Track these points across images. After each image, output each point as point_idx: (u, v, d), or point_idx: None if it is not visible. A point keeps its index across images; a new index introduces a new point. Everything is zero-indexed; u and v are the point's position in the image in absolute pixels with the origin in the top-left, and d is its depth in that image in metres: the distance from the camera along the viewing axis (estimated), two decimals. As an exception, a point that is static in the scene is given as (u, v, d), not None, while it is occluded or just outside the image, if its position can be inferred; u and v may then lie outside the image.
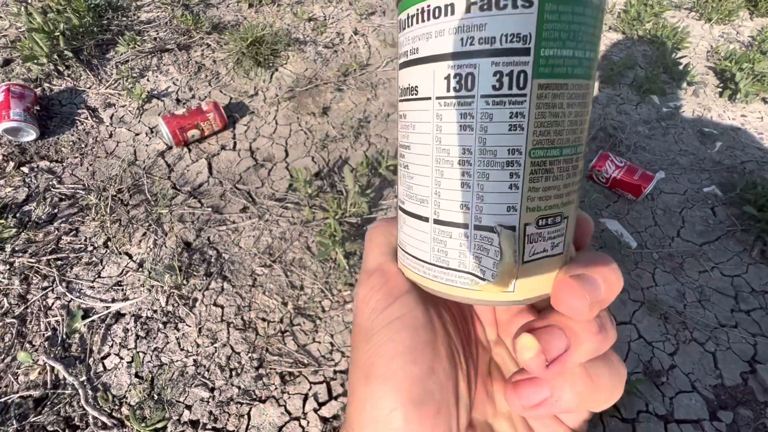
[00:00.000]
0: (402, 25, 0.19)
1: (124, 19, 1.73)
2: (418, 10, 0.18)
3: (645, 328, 1.09)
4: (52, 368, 0.92)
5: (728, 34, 2.02)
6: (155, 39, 1.67)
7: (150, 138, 1.40)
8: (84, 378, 0.92)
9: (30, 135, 1.31)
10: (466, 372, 0.22)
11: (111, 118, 1.43)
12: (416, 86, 0.18)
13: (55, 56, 1.47)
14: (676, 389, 1.00)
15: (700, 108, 1.70)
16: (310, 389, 0.94)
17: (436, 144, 0.18)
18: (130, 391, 0.91)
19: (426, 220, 0.19)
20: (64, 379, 0.91)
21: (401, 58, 0.20)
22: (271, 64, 1.64)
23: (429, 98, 0.18)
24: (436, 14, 0.17)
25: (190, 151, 1.38)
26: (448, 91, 0.17)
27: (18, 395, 0.88)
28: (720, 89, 1.76)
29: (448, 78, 0.17)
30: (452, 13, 0.16)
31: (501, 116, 0.16)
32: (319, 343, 1.01)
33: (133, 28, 1.68)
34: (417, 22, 0.18)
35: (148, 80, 1.55)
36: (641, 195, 1.30)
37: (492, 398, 0.23)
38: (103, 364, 0.95)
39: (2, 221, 1.10)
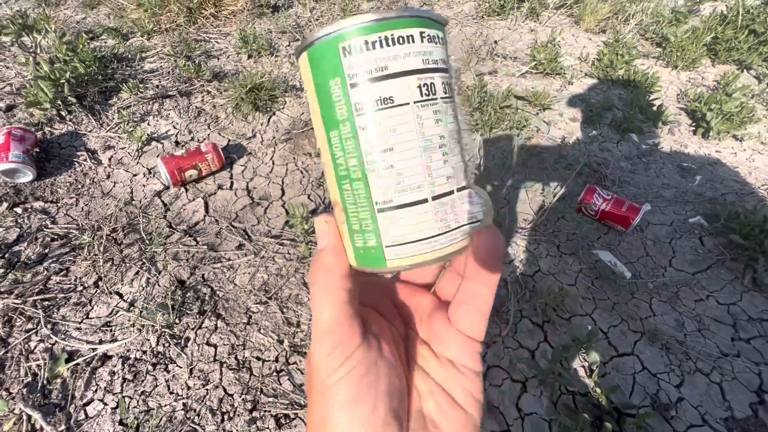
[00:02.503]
0: (349, 49, 0.22)
1: (129, 68, 1.82)
2: (379, 37, 0.22)
3: (648, 359, 1.07)
4: (29, 417, 0.86)
5: (694, 79, 2.19)
6: (157, 86, 1.74)
7: (147, 178, 1.41)
8: (63, 427, 0.86)
9: (27, 176, 1.32)
10: (406, 385, 0.27)
11: (110, 159, 1.46)
12: (390, 97, 0.22)
13: (59, 102, 1.52)
14: (687, 423, 0.96)
15: (676, 144, 1.79)
16: (306, 433, 0.88)
17: (420, 138, 0.23)
18: (112, 440, 0.85)
19: (425, 201, 0.23)
20: (42, 429, 0.85)
21: (360, 76, 0.22)
22: (268, 109, 1.72)
23: (408, 104, 0.23)
24: (400, 42, 0.22)
25: (187, 190, 1.39)
26: (421, 96, 0.23)
27: (-11, 449, 0.82)
28: (693, 128, 1.88)
29: (420, 87, 0.23)
30: (407, 42, 0.23)
31: (450, 110, 0.24)
32: (316, 382, 0.97)
33: (136, 77, 1.76)
34: (382, 47, 0.22)
35: (148, 124, 1.60)
36: (630, 226, 1.33)
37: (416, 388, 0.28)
38: (85, 411, 0.89)
39: (-10, 261, 1.07)
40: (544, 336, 1.10)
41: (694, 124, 1.89)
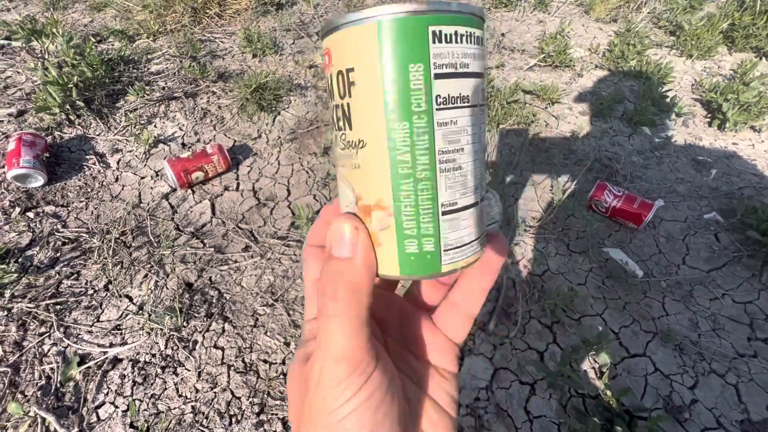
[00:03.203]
0: (440, 36, 0.21)
1: (135, 70, 1.83)
2: (466, 32, 0.21)
3: (661, 360, 1.05)
4: (44, 420, 0.88)
5: (710, 69, 2.11)
6: (163, 88, 1.75)
7: (155, 181, 1.43)
8: (76, 430, 0.87)
9: (38, 181, 1.34)
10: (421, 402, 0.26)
11: (118, 163, 1.47)
12: (467, 96, 0.22)
13: (68, 106, 1.54)
14: (701, 426, 0.94)
15: (691, 137, 1.74)
16: (313, 436, 0.89)
17: (479, 140, 0.23)
18: (124, 443, 0.86)
19: (476, 204, 0.24)
20: (55, 431, 0.87)
21: (446, 67, 0.21)
22: (273, 109, 1.71)
23: (477, 105, 0.23)
24: (477, 42, 0.22)
25: (194, 192, 1.40)
26: (483, 101, 0.23)
27: (6, 451, 0.84)
28: (708, 119, 1.82)
29: (483, 91, 0.23)
30: (481, 44, 0.23)
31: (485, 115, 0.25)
32: (323, 385, 0.97)
33: (143, 79, 1.77)
34: (466, 42, 0.21)
35: (155, 126, 1.61)
36: (642, 223, 1.30)
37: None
38: (96, 413, 0.90)
39: (3, 266, 1.09)
40: (554, 337, 1.08)
41: (709, 115, 1.84)
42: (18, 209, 1.28)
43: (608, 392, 0.95)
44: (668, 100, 1.80)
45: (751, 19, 2.14)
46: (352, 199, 0.23)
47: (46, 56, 1.62)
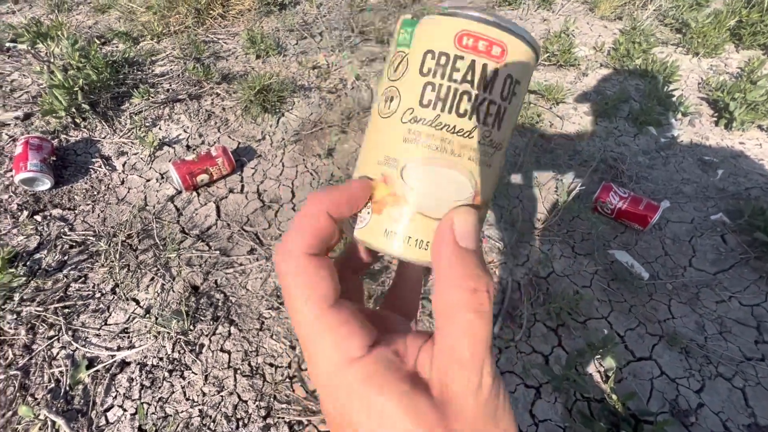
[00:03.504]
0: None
1: (140, 73, 1.83)
2: None
3: (667, 363, 1.05)
4: (53, 423, 0.89)
5: (717, 67, 2.09)
6: (168, 90, 1.76)
7: (160, 183, 1.43)
8: (85, 433, 0.89)
9: (45, 184, 1.35)
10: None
11: (123, 165, 1.48)
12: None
13: (73, 109, 1.54)
14: (707, 430, 0.94)
15: (697, 137, 1.73)
16: (319, 439, 0.89)
17: None
18: (132, 446, 0.87)
19: None
20: (65, 434, 0.88)
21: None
22: (277, 110, 1.71)
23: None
24: None
25: (199, 195, 1.41)
26: None
27: (17, 453, 0.85)
28: (715, 119, 1.80)
29: None
30: None
31: None
32: (329, 388, 0.97)
33: (147, 81, 1.78)
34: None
35: (160, 129, 1.62)
36: (648, 225, 1.29)
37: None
38: (105, 417, 0.91)
39: (12, 270, 1.10)
40: (559, 340, 1.08)
41: (716, 114, 1.82)
42: (26, 212, 1.29)
43: (614, 396, 0.95)
44: (674, 99, 1.78)
45: (759, 16, 2.12)
46: (471, 193, 0.23)
47: (52, 59, 1.63)
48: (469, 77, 0.22)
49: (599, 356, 1.02)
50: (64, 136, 1.54)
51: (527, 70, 0.24)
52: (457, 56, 0.22)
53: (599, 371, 1.02)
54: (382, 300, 0.30)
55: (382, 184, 0.23)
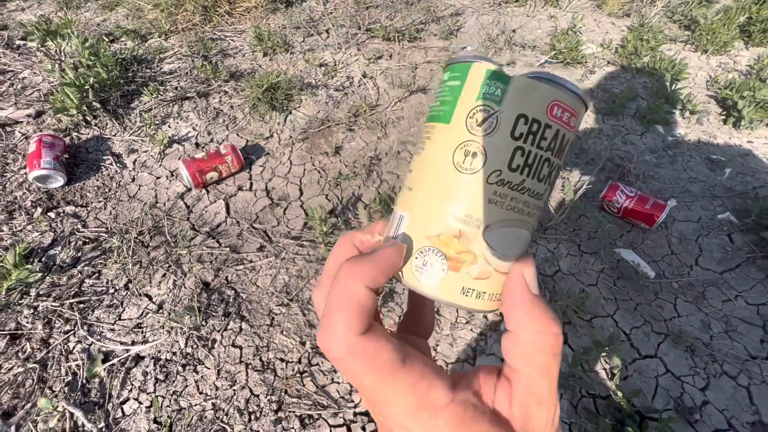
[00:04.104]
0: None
1: (148, 70, 1.85)
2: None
3: (672, 361, 1.06)
4: (72, 415, 0.92)
5: (725, 64, 2.08)
6: (176, 88, 1.77)
7: (170, 181, 1.45)
8: (102, 425, 0.91)
9: (58, 182, 1.37)
10: None
11: (134, 163, 1.50)
12: None
13: (84, 107, 1.56)
14: (711, 427, 0.95)
15: (705, 135, 1.72)
16: (330, 433, 0.91)
17: None
18: (148, 437, 0.90)
19: None
20: (83, 426, 0.91)
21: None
22: (285, 108, 1.72)
23: None
24: None
25: (208, 192, 1.42)
26: None
27: (37, 444, 0.88)
28: (723, 117, 1.79)
29: None
30: None
31: None
32: (339, 383, 0.99)
33: (156, 79, 1.79)
34: None
35: (169, 126, 1.63)
36: (655, 224, 1.30)
37: None
38: (122, 409, 0.94)
39: (29, 266, 1.13)
40: (565, 338, 1.09)
41: (724, 113, 1.81)
42: (40, 209, 1.31)
43: (619, 393, 0.96)
44: (682, 97, 1.77)
45: (769, 13, 2.10)
46: (529, 244, 0.25)
47: (63, 57, 1.64)
48: (552, 145, 0.23)
49: (605, 354, 1.03)
50: (76, 133, 1.56)
51: (576, 127, 0.25)
52: (546, 125, 0.23)
53: (605, 369, 1.04)
54: (401, 322, 0.31)
55: (456, 240, 0.23)
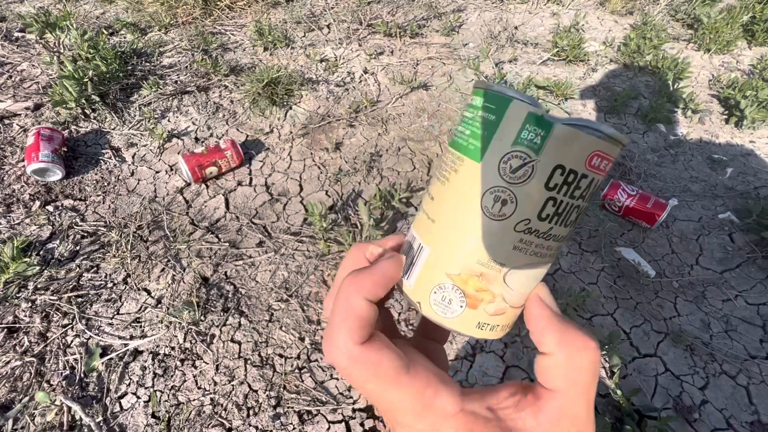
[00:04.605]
0: None
1: (148, 64, 1.84)
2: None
3: (671, 360, 1.06)
4: (69, 408, 0.91)
5: (728, 64, 2.07)
6: (176, 82, 1.76)
7: (170, 175, 1.44)
8: (100, 419, 0.91)
9: (56, 175, 1.36)
10: None
11: (133, 157, 1.49)
12: None
13: (83, 101, 1.55)
14: (710, 426, 0.95)
15: (707, 135, 1.72)
16: (328, 429, 0.91)
17: None
18: (146, 432, 0.89)
19: None
20: (81, 419, 0.90)
21: None
22: (285, 103, 1.71)
23: None
24: None
25: (207, 187, 1.42)
26: None
27: (34, 437, 0.87)
28: (725, 116, 1.79)
29: None
30: None
31: None
32: (337, 379, 0.99)
33: (156, 73, 1.78)
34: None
35: (168, 120, 1.62)
36: (656, 223, 1.29)
37: None
38: (120, 403, 0.93)
39: (27, 259, 1.12)
40: (564, 336, 1.09)
41: (726, 112, 1.80)
42: (38, 203, 1.31)
43: (618, 392, 0.96)
44: (685, 96, 1.77)
45: (773, 13, 2.09)
46: (544, 273, 0.25)
47: (62, 50, 1.63)
48: (584, 193, 0.23)
49: (605, 352, 1.03)
50: (74, 127, 1.55)
51: (608, 169, 0.24)
52: (583, 175, 0.22)
53: (604, 367, 1.04)
54: (417, 327, 0.32)
55: (476, 279, 0.23)
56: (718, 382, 1.02)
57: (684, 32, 2.25)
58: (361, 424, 0.92)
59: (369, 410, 0.95)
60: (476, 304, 0.24)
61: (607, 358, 1.04)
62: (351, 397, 0.96)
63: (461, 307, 0.24)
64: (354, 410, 0.94)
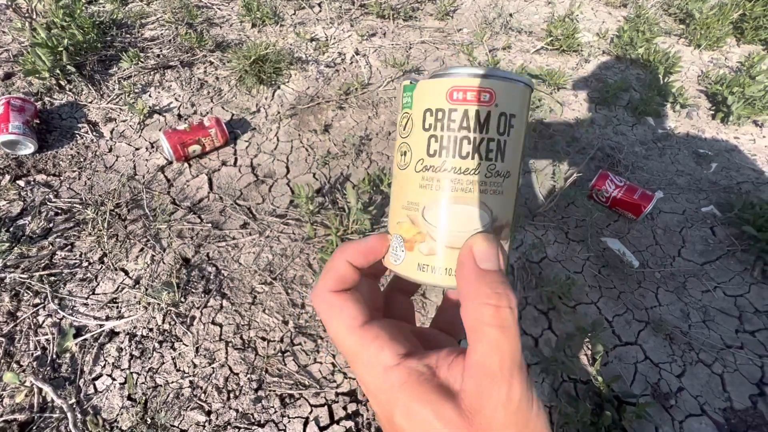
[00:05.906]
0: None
1: (128, 36, 1.75)
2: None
3: (651, 348, 1.08)
4: (40, 390, 0.88)
5: (717, 60, 2.09)
6: (158, 56, 1.68)
7: (150, 153, 1.39)
8: (73, 401, 0.88)
9: (28, 148, 1.29)
10: None
11: (111, 132, 1.42)
12: None
13: (58, 71, 1.47)
14: (685, 413, 0.97)
15: (694, 129, 1.73)
16: (311, 413, 0.90)
17: None
18: (121, 414, 0.87)
19: None
20: (52, 401, 0.87)
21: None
22: (273, 82, 1.66)
23: None
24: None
25: (190, 166, 1.37)
26: None
27: (2, 419, 0.84)
28: (712, 112, 1.81)
29: None
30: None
31: None
32: (321, 363, 0.98)
33: (136, 45, 1.70)
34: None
35: (150, 96, 1.55)
36: (641, 214, 1.30)
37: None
38: (94, 385, 0.90)
39: (-5, 235, 1.07)
40: (549, 324, 1.10)
41: (713, 107, 1.82)
42: (8, 177, 1.24)
43: (599, 378, 0.97)
44: (674, 90, 1.78)
45: (763, 11, 2.11)
46: (488, 220, 0.26)
47: (34, 16, 1.53)
48: (464, 124, 0.26)
49: (587, 340, 1.04)
50: (48, 98, 1.47)
51: (521, 104, 0.27)
52: (451, 109, 0.26)
53: (586, 354, 1.05)
54: (432, 319, 0.34)
55: (410, 225, 0.27)
56: (695, 370, 1.05)
57: (676, 27, 2.26)
58: (344, 408, 0.92)
59: (352, 394, 0.94)
60: (412, 246, 0.27)
61: (589, 346, 1.05)
62: (334, 381, 0.95)
63: (403, 251, 0.27)
64: (337, 394, 0.93)
